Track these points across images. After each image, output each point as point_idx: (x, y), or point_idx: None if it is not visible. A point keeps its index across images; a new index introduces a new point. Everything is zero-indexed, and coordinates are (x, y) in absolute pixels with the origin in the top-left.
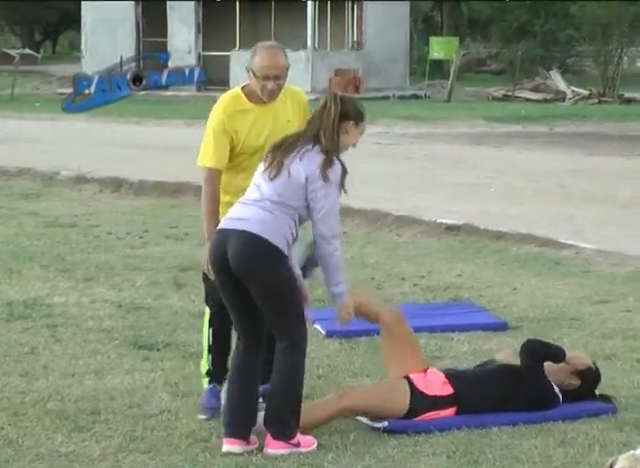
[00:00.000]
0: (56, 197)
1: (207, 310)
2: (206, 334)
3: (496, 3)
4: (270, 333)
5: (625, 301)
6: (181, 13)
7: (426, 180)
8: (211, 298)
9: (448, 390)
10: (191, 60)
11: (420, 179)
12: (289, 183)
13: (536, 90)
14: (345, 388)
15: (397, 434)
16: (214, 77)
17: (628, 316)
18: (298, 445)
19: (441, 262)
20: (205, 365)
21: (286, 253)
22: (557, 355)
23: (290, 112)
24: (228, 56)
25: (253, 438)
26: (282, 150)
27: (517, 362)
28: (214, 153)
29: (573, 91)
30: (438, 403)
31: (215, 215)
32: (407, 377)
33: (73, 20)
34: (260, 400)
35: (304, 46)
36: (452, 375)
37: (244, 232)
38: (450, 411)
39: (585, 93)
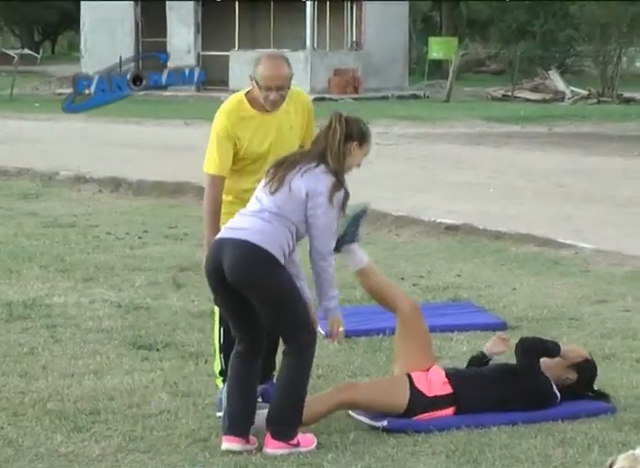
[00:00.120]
0: (55, 197)
1: (216, 309)
2: (217, 334)
3: (494, 3)
4: (269, 335)
5: (624, 301)
6: (181, 13)
7: (425, 180)
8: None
9: (447, 389)
10: (190, 60)
11: (419, 179)
12: (289, 198)
13: (535, 90)
14: (345, 383)
15: (396, 433)
16: (213, 77)
17: (627, 316)
18: (297, 445)
19: (440, 262)
20: (217, 364)
21: (282, 262)
22: (552, 350)
23: (292, 117)
24: (227, 55)
25: (252, 438)
26: (284, 166)
27: (502, 348)
28: (217, 160)
29: (572, 91)
30: (437, 403)
31: (216, 223)
32: (408, 376)
33: (72, 21)
34: (260, 400)
35: (303, 46)
36: (451, 375)
37: (241, 241)
38: (449, 411)
39: (584, 93)
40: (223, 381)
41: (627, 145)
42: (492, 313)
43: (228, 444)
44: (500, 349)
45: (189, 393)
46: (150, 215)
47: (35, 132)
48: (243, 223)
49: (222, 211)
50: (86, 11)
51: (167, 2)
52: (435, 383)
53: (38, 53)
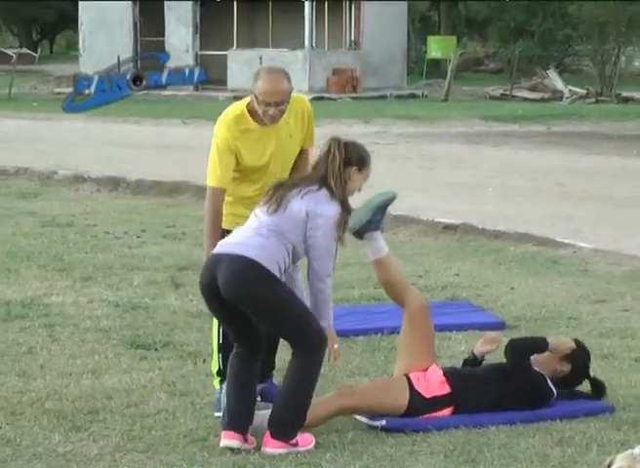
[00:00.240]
0: (53, 196)
1: None
2: (215, 334)
3: (493, 2)
4: (269, 336)
5: (623, 300)
6: (179, 12)
7: (424, 180)
8: None
9: (445, 389)
10: (189, 60)
11: (417, 179)
12: (288, 218)
13: (533, 89)
14: (345, 387)
15: (395, 433)
16: (211, 76)
17: (626, 315)
18: (296, 444)
19: (439, 262)
20: (215, 365)
21: (278, 277)
22: (540, 345)
23: (292, 126)
24: (226, 55)
25: (250, 438)
26: (283, 188)
27: (490, 347)
28: (218, 172)
29: (570, 90)
30: (436, 404)
31: (216, 236)
32: (407, 377)
33: (71, 20)
34: (259, 399)
35: (302, 45)
36: (449, 374)
37: (237, 256)
38: (447, 412)
39: (583, 92)
40: (221, 382)
41: (626, 145)
42: (490, 312)
43: (227, 440)
44: (487, 348)
45: (187, 392)
46: (149, 215)
47: (33, 131)
48: (239, 239)
49: (223, 212)
50: (84, 10)
51: (165, 2)
52: (433, 383)
53: (36, 52)
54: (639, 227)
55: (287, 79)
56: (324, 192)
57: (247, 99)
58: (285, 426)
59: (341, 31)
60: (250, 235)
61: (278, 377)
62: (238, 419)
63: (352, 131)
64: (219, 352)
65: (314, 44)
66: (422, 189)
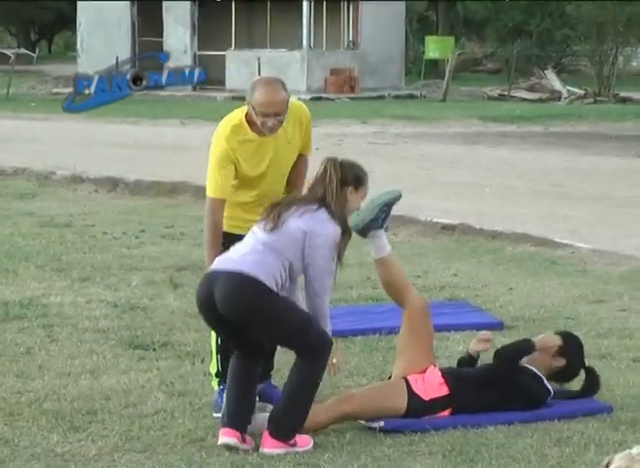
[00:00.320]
0: (51, 197)
1: None
2: (214, 336)
3: (490, 3)
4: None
5: (621, 301)
6: (177, 13)
7: (422, 180)
8: None
9: (444, 391)
10: (187, 60)
11: (415, 179)
12: (285, 236)
13: (531, 89)
14: (344, 392)
15: (393, 433)
16: (210, 77)
17: (624, 315)
18: (294, 445)
19: (437, 262)
20: (214, 366)
21: (276, 291)
22: (526, 348)
23: (290, 133)
24: (224, 55)
25: (248, 438)
26: (280, 206)
27: (484, 346)
28: (218, 183)
29: (568, 90)
30: (435, 406)
31: (216, 248)
32: (405, 379)
33: (69, 20)
34: (257, 399)
35: (300, 46)
36: (448, 375)
37: (233, 273)
38: (445, 413)
39: (581, 92)
40: (219, 383)
41: (624, 145)
42: (488, 313)
43: (225, 437)
44: (481, 347)
45: (186, 393)
46: (147, 215)
47: (31, 131)
48: (236, 256)
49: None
50: (82, 11)
51: (163, 2)
52: (432, 385)
53: (34, 52)
54: (637, 227)
55: (284, 89)
56: (323, 212)
57: (244, 109)
58: (284, 427)
59: (339, 31)
60: (246, 252)
61: (277, 378)
62: (237, 419)
63: (350, 131)
64: (217, 353)
65: (312, 44)
66: (420, 189)
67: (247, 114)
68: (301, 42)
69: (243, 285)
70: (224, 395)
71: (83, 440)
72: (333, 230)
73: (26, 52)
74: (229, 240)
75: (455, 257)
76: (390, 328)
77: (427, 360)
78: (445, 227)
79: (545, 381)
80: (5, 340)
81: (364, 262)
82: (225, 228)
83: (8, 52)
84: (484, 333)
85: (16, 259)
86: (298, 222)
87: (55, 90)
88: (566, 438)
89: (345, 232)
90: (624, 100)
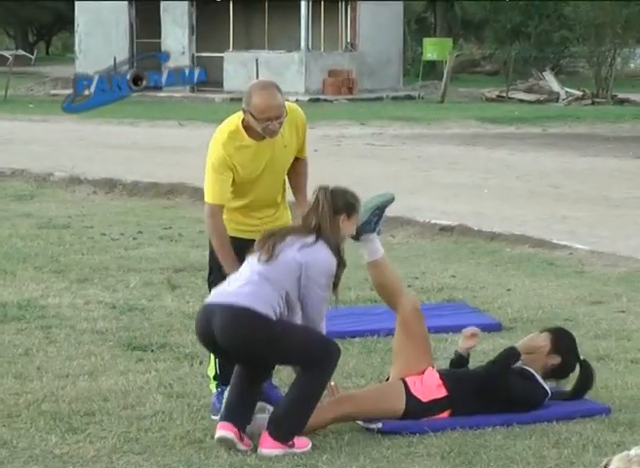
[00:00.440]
0: (49, 198)
1: None
2: None
3: (489, 4)
4: None
5: (619, 302)
6: (175, 14)
7: (420, 181)
8: None
9: (442, 392)
10: (185, 62)
11: (413, 180)
12: (281, 268)
13: (529, 91)
14: (342, 393)
15: (391, 435)
16: (208, 78)
17: (622, 317)
18: (292, 446)
19: (435, 263)
20: (212, 369)
21: (274, 320)
22: (512, 356)
23: (287, 137)
24: (222, 57)
25: (247, 440)
26: (274, 238)
27: (471, 343)
28: (216, 189)
29: (566, 92)
30: (433, 408)
31: (225, 246)
32: (403, 381)
33: (67, 22)
34: None
35: (298, 47)
36: (445, 377)
37: (230, 306)
38: (444, 415)
39: (579, 94)
40: (217, 385)
41: (622, 146)
42: (487, 314)
43: (222, 431)
44: (470, 344)
45: (184, 394)
46: (145, 216)
47: (29, 133)
48: (232, 288)
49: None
50: (80, 12)
51: (161, 3)
52: (430, 386)
53: (32, 54)
54: (635, 229)
55: (279, 91)
56: (320, 244)
57: (240, 114)
58: (284, 429)
59: (337, 33)
60: (242, 283)
61: (277, 378)
62: (237, 415)
63: (348, 132)
64: (215, 356)
65: (310, 45)
66: (419, 191)
67: (243, 120)
68: (299, 43)
69: (239, 317)
70: (226, 391)
71: (81, 441)
72: (329, 262)
73: (24, 53)
74: (234, 244)
75: (453, 259)
76: (389, 329)
77: (424, 362)
78: (443, 228)
79: (542, 382)
80: (3, 342)
81: (362, 264)
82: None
83: (6, 53)
84: (469, 329)
85: (14, 261)
86: (293, 254)
87: (53, 91)
88: (564, 439)
89: (341, 262)
90: (622, 102)
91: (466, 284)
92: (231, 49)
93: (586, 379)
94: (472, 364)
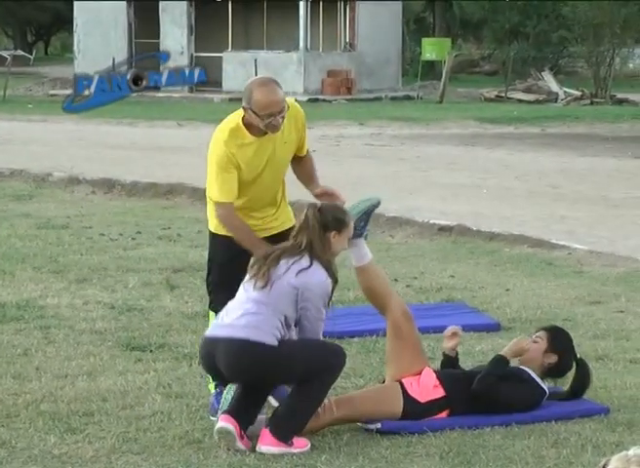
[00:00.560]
0: (48, 198)
1: (211, 314)
2: None
3: (487, 4)
4: None
5: (618, 302)
6: (174, 14)
7: (419, 181)
8: (215, 303)
9: (439, 393)
10: (184, 62)
11: (412, 180)
12: (278, 293)
13: (528, 91)
14: (341, 394)
15: (390, 435)
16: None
17: (621, 317)
18: (291, 445)
19: (434, 263)
20: None
21: (277, 346)
22: (498, 366)
23: (287, 133)
24: (221, 57)
25: (246, 439)
26: (268, 262)
27: (454, 342)
28: (224, 187)
29: (565, 92)
30: (431, 408)
31: (250, 235)
32: (400, 382)
33: (65, 22)
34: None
35: (297, 47)
36: (443, 377)
37: (231, 341)
38: (443, 416)
39: (577, 94)
40: (216, 386)
41: (620, 146)
42: (485, 314)
43: (222, 422)
44: (453, 343)
45: (183, 394)
46: (144, 217)
47: (28, 133)
48: (230, 320)
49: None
50: (79, 12)
51: (160, 3)
52: (427, 387)
53: (31, 54)
54: (634, 229)
55: (279, 87)
56: (315, 267)
57: (240, 112)
58: (285, 428)
59: (336, 33)
60: (240, 314)
61: None
62: (241, 411)
63: (347, 132)
64: None
65: (309, 45)
66: (417, 191)
67: (243, 118)
68: (298, 43)
69: (242, 352)
70: (229, 392)
71: (80, 441)
72: (325, 282)
73: (23, 53)
74: (231, 244)
75: (452, 259)
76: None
77: (418, 363)
78: (442, 229)
79: (540, 381)
80: (2, 342)
81: None
82: (226, 232)
83: (5, 53)
84: (449, 329)
85: (13, 261)
86: (289, 278)
87: (51, 91)
88: (563, 439)
89: (334, 280)
90: (621, 102)
91: (465, 284)
92: (230, 49)
93: (583, 378)
94: (472, 363)
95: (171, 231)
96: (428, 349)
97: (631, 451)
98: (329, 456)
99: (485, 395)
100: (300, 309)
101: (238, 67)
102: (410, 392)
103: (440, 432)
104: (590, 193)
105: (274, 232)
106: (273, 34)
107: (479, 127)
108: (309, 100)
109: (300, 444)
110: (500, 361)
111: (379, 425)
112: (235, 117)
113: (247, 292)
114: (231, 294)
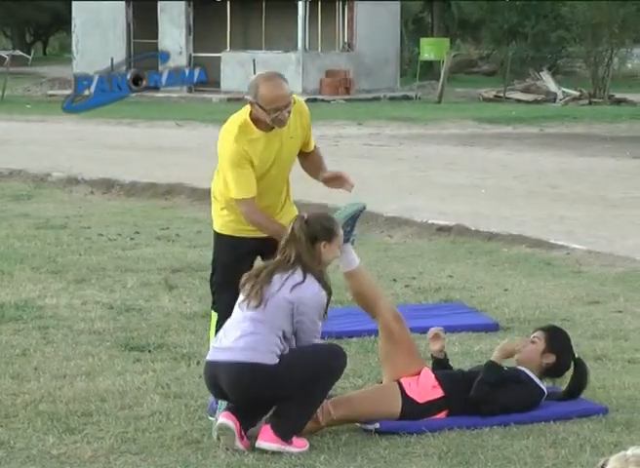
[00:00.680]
0: (47, 198)
1: (213, 314)
2: (211, 337)
3: (485, 4)
4: None
5: (616, 302)
6: (172, 14)
7: (417, 182)
8: (218, 303)
9: (438, 393)
10: (182, 62)
11: (410, 181)
12: (272, 309)
13: (526, 91)
14: (340, 394)
15: (389, 435)
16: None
17: (619, 317)
18: (290, 444)
19: (432, 263)
20: None
21: (277, 363)
22: (491, 373)
23: (292, 128)
24: (219, 57)
25: (246, 440)
26: (260, 280)
27: (440, 343)
28: (242, 184)
29: (563, 92)
30: (430, 409)
31: (278, 224)
32: (398, 382)
33: (64, 22)
34: None
35: (295, 47)
36: (442, 377)
37: (232, 364)
38: (441, 416)
39: (576, 94)
40: None
41: (619, 146)
42: (484, 314)
43: (225, 419)
44: (439, 345)
45: (181, 394)
46: (142, 217)
47: (27, 133)
48: (228, 342)
49: (229, 218)
50: (78, 12)
51: (158, 3)
52: (425, 387)
53: (29, 54)
54: (633, 229)
55: (285, 80)
56: (309, 281)
57: (247, 108)
58: (285, 427)
59: (335, 33)
60: (238, 335)
61: None
62: (245, 413)
63: (346, 132)
64: None
65: (307, 45)
66: (416, 191)
67: (251, 113)
68: (297, 43)
69: (242, 376)
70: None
71: (79, 441)
72: (319, 295)
73: (21, 53)
74: (236, 244)
75: (450, 259)
76: None
77: (413, 364)
78: (441, 229)
79: (538, 381)
80: (0, 342)
81: None
82: (229, 231)
83: (3, 53)
84: (432, 331)
85: (11, 261)
86: (284, 294)
87: (50, 92)
88: (561, 439)
89: (327, 291)
90: (619, 102)
91: (464, 284)
92: (228, 49)
93: (581, 378)
94: (470, 363)
95: (169, 231)
96: (427, 349)
97: (630, 451)
98: (327, 456)
99: (482, 403)
100: (295, 323)
101: (237, 67)
102: (408, 392)
103: (439, 432)
104: (589, 193)
105: None
106: (272, 34)
107: (477, 127)
108: (308, 100)
109: (299, 444)
110: (491, 367)
111: (377, 425)
112: (242, 113)
113: (242, 312)
114: (235, 295)
